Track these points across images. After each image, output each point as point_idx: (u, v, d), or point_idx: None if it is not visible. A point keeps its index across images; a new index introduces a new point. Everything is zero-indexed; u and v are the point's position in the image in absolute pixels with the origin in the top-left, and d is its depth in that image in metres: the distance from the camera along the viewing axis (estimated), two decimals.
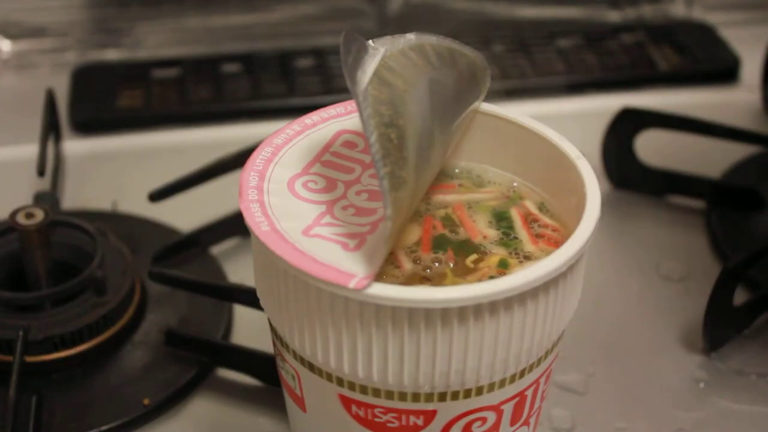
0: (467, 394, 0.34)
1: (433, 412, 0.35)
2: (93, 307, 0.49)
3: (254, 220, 0.34)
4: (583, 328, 0.52)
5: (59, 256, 0.51)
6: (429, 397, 0.34)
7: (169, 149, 0.66)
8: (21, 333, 0.46)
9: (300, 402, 0.38)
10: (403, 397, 0.34)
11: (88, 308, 0.48)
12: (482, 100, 0.40)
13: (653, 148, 0.60)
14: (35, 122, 0.62)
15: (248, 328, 0.52)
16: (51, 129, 0.63)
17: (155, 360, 0.49)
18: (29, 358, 0.47)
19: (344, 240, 0.34)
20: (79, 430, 0.45)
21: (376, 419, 0.35)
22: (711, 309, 0.49)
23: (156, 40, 0.80)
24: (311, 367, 0.35)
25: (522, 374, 0.35)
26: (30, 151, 0.61)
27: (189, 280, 0.49)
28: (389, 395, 0.34)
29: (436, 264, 0.36)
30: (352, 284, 0.31)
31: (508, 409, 0.36)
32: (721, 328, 0.51)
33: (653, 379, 0.49)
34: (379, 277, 0.35)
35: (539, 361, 0.36)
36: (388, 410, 0.35)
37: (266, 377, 0.48)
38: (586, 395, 0.48)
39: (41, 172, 0.58)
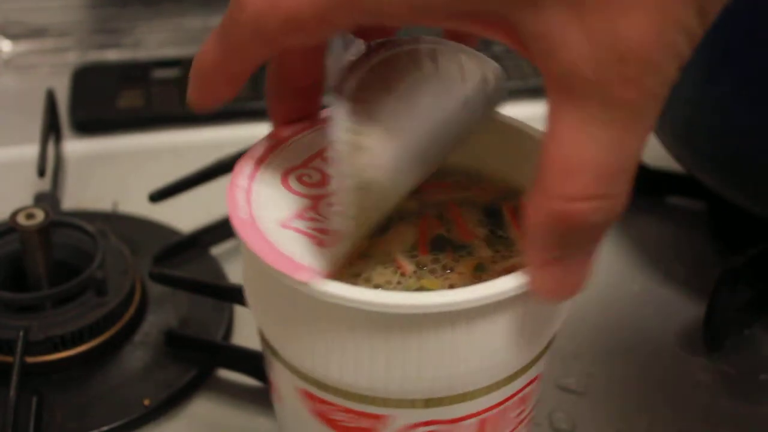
0: (424, 404, 0.34)
1: (386, 417, 0.34)
2: (93, 308, 0.49)
3: (234, 204, 0.34)
4: (584, 328, 0.52)
5: (60, 257, 0.51)
6: (383, 402, 0.34)
7: (169, 149, 0.66)
8: (21, 333, 0.46)
9: (276, 392, 0.38)
10: (356, 398, 0.34)
11: (88, 309, 0.48)
12: (494, 107, 0.39)
13: (653, 148, 0.60)
14: (35, 122, 0.63)
15: (248, 329, 0.52)
16: (51, 129, 0.63)
17: (156, 360, 0.49)
18: (30, 359, 0.47)
19: (317, 235, 0.34)
20: (79, 431, 0.45)
21: (332, 416, 0.35)
22: (711, 309, 0.50)
23: (156, 40, 0.80)
24: (277, 356, 0.35)
25: (485, 392, 0.34)
26: (30, 151, 0.61)
27: (189, 281, 0.49)
28: (344, 394, 0.34)
29: (436, 265, 0.35)
30: (301, 277, 0.31)
31: (470, 427, 0.35)
32: (721, 328, 0.51)
33: (653, 379, 0.49)
34: (382, 281, 0.34)
35: (507, 381, 0.34)
36: (342, 409, 0.34)
37: (266, 377, 0.48)
38: (586, 395, 0.48)
39: (41, 173, 0.59)
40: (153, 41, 0.80)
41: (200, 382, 0.49)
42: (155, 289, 0.52)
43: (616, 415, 0.47)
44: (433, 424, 0.34)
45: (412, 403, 0.34)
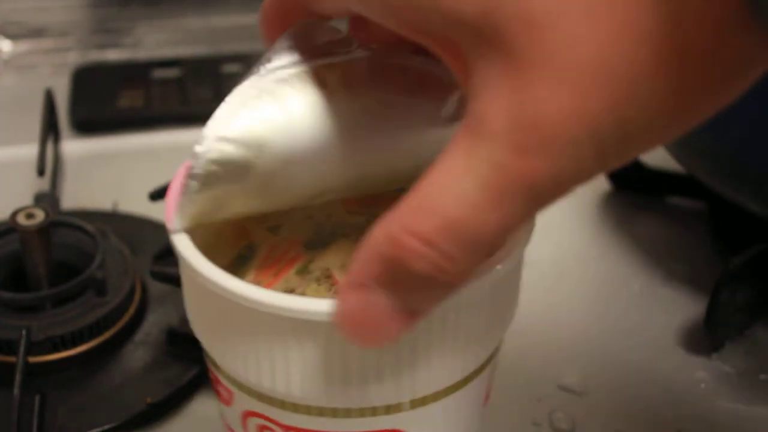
0: (259, 397, 0.33)
1: (233, 394, 0.34)
2: (94, 307, 0.49)
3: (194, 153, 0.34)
4: (584, 328, 0.52)
5: (60, 257, 0.51)
6: (226, 377, 0.34)
7: (169, 149, 0.66)
8: (24, 333, 0.46)
9: None
10: (213, 364, 0.34)
11: (88, 308, 0.48)
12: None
13: None
14: (35, 122, 0.63)
15: None
16: (50, 129, 0.63)
17: (157, 359, 0.49)
18: (31, 359, 0.47)
19: None
20: (81, 430, 0.45)
21: (210, 374, 0.36)
22: (712, 309, 0.50)
23: (156, 40, 0.80)
24: None
25: (315, 412, 0.32)
26: (30, 151, 0.61)
27: None
28: (209, 358, 0.35)
29: None
30: (168, 223, 0.33)
31: None
32: (722, 328, 0.51)
33: (654, 379, 0.49)
34: (315, 290, 0.34)
35: (366, 413, 0.32)
36: (210, 371, 0.35)
37: None
38: (586, 395, 0.48)
39: (41, 173, 0.58)
40: (153, 41, 0.80)
41: (202, 381, 0.49)
42: (156, 289, 0.52)
43: (616, 415, 0.47)
44: (267, 420, 0.33)
45: (247, 390, 0.33)
